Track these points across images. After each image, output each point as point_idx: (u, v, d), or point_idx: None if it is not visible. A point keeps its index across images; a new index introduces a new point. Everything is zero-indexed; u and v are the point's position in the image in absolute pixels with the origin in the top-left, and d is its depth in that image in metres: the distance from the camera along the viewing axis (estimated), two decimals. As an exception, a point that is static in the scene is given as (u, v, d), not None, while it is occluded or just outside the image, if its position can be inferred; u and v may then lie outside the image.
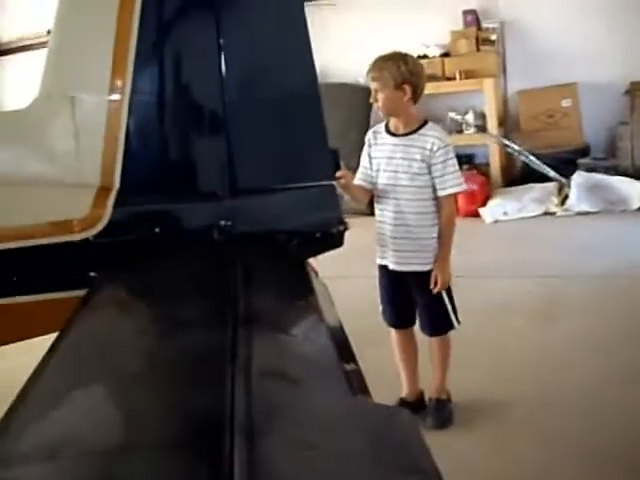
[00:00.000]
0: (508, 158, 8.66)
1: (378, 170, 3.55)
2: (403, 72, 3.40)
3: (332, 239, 2.76)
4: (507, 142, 8.30)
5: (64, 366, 1.86)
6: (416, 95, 3.45)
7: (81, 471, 1.35)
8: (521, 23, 8.67)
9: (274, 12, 2.64)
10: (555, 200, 7.67)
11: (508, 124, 8.88)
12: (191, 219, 2.68)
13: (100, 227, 2.55)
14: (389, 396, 3.66)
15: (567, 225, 7.24)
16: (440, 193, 3.45)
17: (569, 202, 7.57)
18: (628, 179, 7.68)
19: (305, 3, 2.64)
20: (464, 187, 3.57)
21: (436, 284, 3.47)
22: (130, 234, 2.59)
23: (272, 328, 2.02)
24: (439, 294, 3.51)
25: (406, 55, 3.51)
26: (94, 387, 1.72)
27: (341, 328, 2.13)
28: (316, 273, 2.58)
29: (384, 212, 3.53)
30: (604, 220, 7.24)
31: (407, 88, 3.41)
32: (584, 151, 8.28)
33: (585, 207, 7.46)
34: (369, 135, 3.65)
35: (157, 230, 2.59)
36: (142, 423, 1.52)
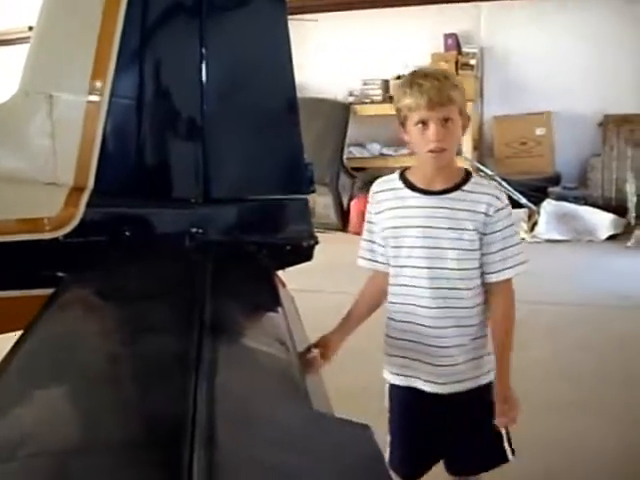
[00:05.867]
0: (481, 182, 8.73)
1: (397, 247, 2.31)
2: (464, 96, 2.28)
3: (302, 252, 2.78)
4: (480, 166, 8.38)
5: (26, 365, 1.84)
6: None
7: (39, 471, 1.35)
8: (501, 50, 8.78)
9: (257, 25, 2.65)
10: (524, 226, 7.75)
11: (482, 149, 8.96)
12: (163, 224, 2.69)
13: (71, 227, 2.54)
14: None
15: (535, 252, 7.26)
16: (495, 277, 2.28)
17: (538, 229, 7.65)
18: (597, 210, 7.79)
19: (288, 18, 2.66)
20: (526, 267, 2.29)
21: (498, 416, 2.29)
22: (100, 235, 2.59)
23: (237, 337, 2.03)
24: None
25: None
26: (55, 387, 1.72)
27: (305, 340, 2.15)
28: (284, 285, 2.59)
29: (410, 306, 2.30)
30: (572, 249, 7.32)
31: (467, 120, 2.29)
32: (555, 180, 8.39)
33: (554, 235, 7.55)
34: (377, 195, 2.36)
35: (128, 233, 2.59)
36: (102, 425, 1.51)
